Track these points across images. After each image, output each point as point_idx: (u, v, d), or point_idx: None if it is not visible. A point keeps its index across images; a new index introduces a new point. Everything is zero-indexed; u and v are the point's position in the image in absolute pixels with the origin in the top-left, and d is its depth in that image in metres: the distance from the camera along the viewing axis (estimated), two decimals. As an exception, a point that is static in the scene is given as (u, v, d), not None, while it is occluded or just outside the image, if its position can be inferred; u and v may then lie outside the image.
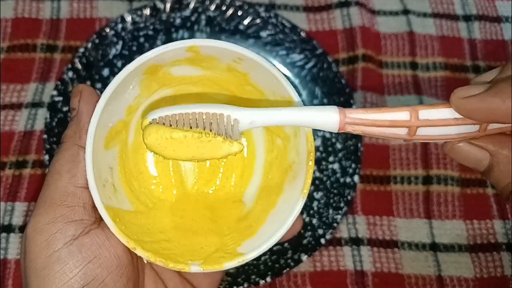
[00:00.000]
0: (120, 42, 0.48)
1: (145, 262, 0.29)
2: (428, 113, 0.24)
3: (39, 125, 0.46)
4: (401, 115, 0.23)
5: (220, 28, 0.49)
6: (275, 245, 0.42)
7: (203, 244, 0.30)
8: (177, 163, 0.33)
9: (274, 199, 0.30)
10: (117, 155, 0.30)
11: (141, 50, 0.48)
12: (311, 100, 0.48)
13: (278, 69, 0.27)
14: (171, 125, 0.26)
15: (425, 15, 0.53)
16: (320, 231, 0.43)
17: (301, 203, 0.28)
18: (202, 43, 0.27)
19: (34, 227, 0.25)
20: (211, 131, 0.26)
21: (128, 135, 0.31)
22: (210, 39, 0.27)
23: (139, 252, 0.26)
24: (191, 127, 0.26)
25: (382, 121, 0.24)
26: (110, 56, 0.48)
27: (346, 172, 0.45)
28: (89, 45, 0.47)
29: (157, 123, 0.26)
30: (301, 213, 0.43)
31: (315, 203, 0.44)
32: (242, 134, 0.28)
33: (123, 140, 0.30)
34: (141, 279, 0.29)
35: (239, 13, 0.50)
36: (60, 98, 0.46)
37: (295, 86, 0.48)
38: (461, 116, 0.24)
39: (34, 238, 0.25)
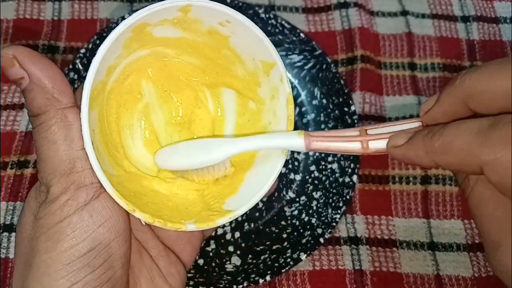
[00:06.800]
0: (121, 43, 0.48)
1: (143, 224, 0.30)
2: (376, 130, 0.27)
3: (41, 125, 0.46)
4: (352, 132, 0.27)
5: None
6: (275, 244, 0.43)
7: (186, 204, 0.30)
8: (152, 129, 0.33)
9: (249, 159, 0.31)
10: (97, 118, 0.29)
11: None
12: (311, 101, 0.48)
13: (263, 33, 0.28)
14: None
15: (423, 16, 0.53)
16: (319, 231, 0.43)
17: (282, 160, 0.29)
18: (197, 2, 0.27)
19: (49, 197, 0.25)
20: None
21: (104, 97, 0.30)
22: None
23: (138, 214, 0.26)
24: None
25: (338, 137, 0.28)
26: (111, 57, 0.48)
27: (345, 171, 0.45)
28: (90, 46, 0.48)
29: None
30: (300, 212, 0.44)
31: (314, 203, 0.44)
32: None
33: (101, 102, 0.30)
34: None
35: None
36: (61, 99, 0.46)
37: (294, 87, 0.48)
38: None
39: (48, 206, 0.25)
